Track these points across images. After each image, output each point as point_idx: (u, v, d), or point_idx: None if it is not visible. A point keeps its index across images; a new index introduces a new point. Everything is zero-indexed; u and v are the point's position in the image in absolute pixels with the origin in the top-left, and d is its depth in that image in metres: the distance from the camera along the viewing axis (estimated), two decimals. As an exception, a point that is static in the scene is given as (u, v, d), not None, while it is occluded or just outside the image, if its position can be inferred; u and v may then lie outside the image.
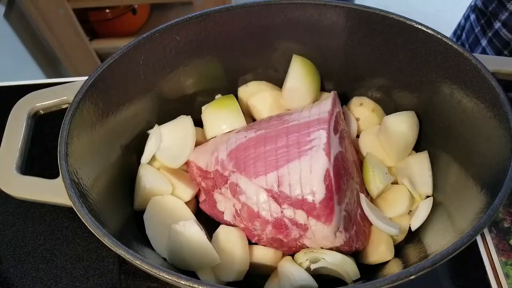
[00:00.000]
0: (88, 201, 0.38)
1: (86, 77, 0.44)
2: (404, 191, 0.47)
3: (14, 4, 1.22)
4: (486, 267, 0.47)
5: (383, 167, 0.48)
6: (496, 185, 0.37)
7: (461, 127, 0.45)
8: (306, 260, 0.42)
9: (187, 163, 0.50)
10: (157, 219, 0.46)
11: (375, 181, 0.47)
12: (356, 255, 0.45)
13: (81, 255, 0.49)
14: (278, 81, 0.55)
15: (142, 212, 0.47)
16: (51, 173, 0.40)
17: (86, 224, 0.36)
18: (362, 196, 0.46)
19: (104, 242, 0.35)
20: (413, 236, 0.46)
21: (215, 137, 0.51)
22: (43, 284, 0.48)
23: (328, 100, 0.47)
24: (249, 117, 0.55)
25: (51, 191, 0.39)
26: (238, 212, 0.44)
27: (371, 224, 0.46)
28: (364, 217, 0.46)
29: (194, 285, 0.32)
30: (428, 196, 0.47)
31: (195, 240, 0.42)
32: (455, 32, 0.82)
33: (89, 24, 1.43)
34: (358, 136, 0.52)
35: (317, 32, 0.50)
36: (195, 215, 0.48)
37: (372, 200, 0.48)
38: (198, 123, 0.53)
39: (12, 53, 1.20)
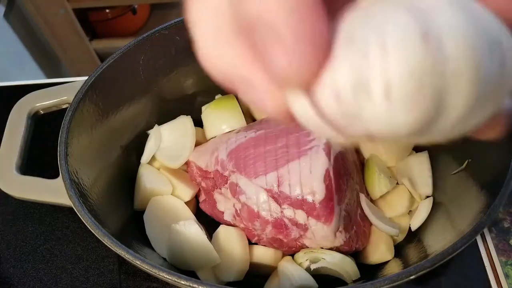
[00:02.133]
0: (88, 201, 0.38)
1: (86, 77, 0.44)
2: (404, 191, 0.47)
3: (14, 4, 1.22)
4: (486, 267, 0.47)
5: (388, 171, 0.48)
6: (496, 185, 0.36)
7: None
8: (306, 260, 0.42)
9: (187, 163, 0.50)
10: (157, 219, 0.46)
11: (379, 184, 0.46)
12: (356, 255, 0.45)
13: (81, 255, 0.49)
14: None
15: (142, 212, 0.47)
16: (51, 173, 0.40)
17: (86, 224, 0.36)
18: (362, 196, 0.46)
19: (104, 242, 0.35)
20: (413, 236, 0.46)
21: (215, 137, 0.51)
22: (43, 284, 0.48)
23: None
24: (249, 117, 0.55)
25: (51, 191, 0.39)
26: (238, 212, 0.44)
27: (371, 224, 0.46)
28: (364, 217, 0.46)
29: (194, 285, 0.32)
30: (428, 196, 0.47)
31: (195, 240, 0.41)
32: None
33: (89, 24, 1.43)
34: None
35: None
36: (195, 215, 0.48)
37: (372, 200, 0.48)
38: (198, 123, 0.53)
39: (12, 53, 1.19)
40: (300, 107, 0.14)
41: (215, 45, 0.16)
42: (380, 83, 0.11)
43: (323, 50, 0.12)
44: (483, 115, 0.13)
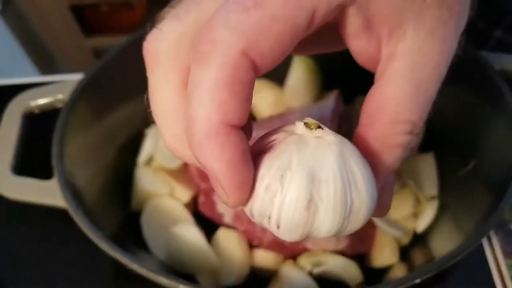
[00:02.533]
0: (83, 203, 0.38)
1: (82, 75, 0.43)
2: (409, 192, 0.46)
3: (10, 0, 1.21)
4: (492, 270, 0.46)
5: (395, 173, 0.48)
6: (502, 186, 0.36)
7: (467, 127, 0.44)
8: (309, 264, 0.41)
9: (186, 164, 0.49)
10: (155, 221, 0.45)
11: None
12: (360, 258, 0.44)
13: (77, 258, 0.48)
14: (279, 80, 0.54)
15: (139, 214, 0.46)
16: (46, 173, 0.39)
17: (81, 227, 0.35)
18: (367, 198, 0.45)
19: (99, 246, 0.34)
20: (419, 239, 0.45)
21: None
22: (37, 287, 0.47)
23: (330, 99, 0.46)
24: (250, 116, 0.54)
25: (46, 192, 0.38)
26: (238, 214, 0.44)
27: (375, 226, 0.45)
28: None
29: (193, 290, 0.31)
30: (433, 198, 0.46)
31: (193, 243, 0.41)
32: None
33: (85, 20, 1.42)
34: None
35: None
36: (194, 217, 0.46)
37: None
38: (197, 122, 0.52)
39: (7, 50, 1.19)
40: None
41: (175, 142, 0.21)
42: (275, 220, 0.18)
43: (248, 191, 0.18)
44: (348, 232, 0.19)
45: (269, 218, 0.18)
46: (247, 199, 0.19)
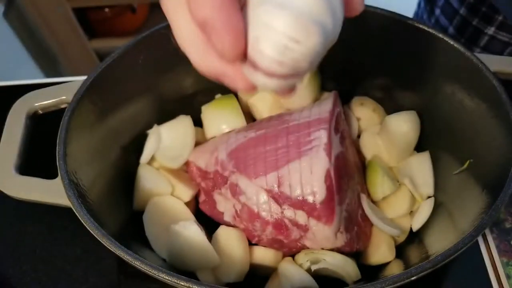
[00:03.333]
0: (87, 202, 0.38)
1: (85, 77, 0.43)
2: (405, 191, 0.47)
3: (14, 4, 1.22)
4: (488, 268, 0.46)
5: (391, 172, 0.48)
6: (497, 185, 0.37)
7: (463, 126, 0.44)
8: (307, 261, 0.42)
9: (186, 163, 0.50)
10: (157, 220, 0.46)
11: (383, 186, 0.46)
12: (357, 255, 0.45)
13: (80, 256, 0.49)
14: (278, 81, 0.55)
15: (141, 212, 0.47)
16: (50, 173, 0.40)
17: (85, 225, 0.36)
18: (364, 197, 0.45)
19: (103, 243, 0.35)
20: (415, 237, 0.46)
21: (215, 137, 0.50)
22: (41, 285, 0.47)
23: (328, 99, 0.47)
24: (249, 117, 0.55)
25: (50, 192, 0.39)
26: (238, 212, 0.44)
27: (372, 224, 0.46)
28: (365, 217, 0.45)
29: (194, 286, 0.32)
30: (429, 197, 0.47)
31: (194, 240, 0.41)
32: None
33: (88, 23, 1.43)
34: (359, 136, 0.52)
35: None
36: (194, 215, 0.47)
37: (372, 201, 0.48)
38: (198, 122, 0.52)
39: (11, 52, 1.19)
40: (253, 77, 0.25)
41: (200, 57, 0.27)
42: (264, 47, 0.22)
43: (242, 37, 0.22)
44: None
45: (259, 50, 0.22)
46: (242, 47, 0.22)
